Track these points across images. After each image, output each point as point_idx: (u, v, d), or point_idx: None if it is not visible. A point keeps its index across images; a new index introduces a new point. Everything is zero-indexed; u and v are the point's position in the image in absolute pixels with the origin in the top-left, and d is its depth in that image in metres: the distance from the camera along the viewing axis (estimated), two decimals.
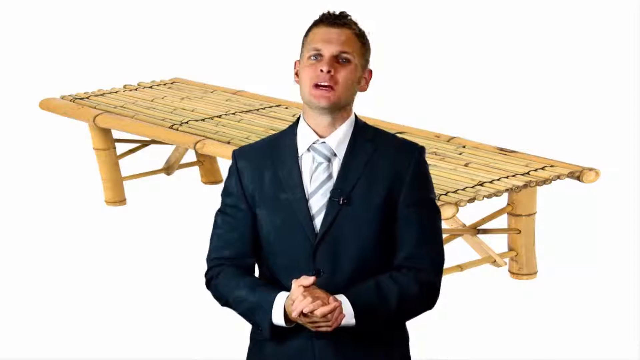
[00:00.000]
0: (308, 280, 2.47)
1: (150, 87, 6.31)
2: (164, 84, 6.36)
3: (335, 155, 2.58)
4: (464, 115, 6.92)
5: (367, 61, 2.62)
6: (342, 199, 2.55)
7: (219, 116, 5.59)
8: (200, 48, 7.88)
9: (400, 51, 7.53)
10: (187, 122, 5.47)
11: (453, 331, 4.44)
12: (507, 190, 4.45)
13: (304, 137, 2.60)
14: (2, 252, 5.37)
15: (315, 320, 2.46)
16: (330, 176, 2.58)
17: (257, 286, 2.59)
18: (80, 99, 6.00)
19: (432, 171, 3.51)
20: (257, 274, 2.70)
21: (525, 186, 4.51)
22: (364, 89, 2.63)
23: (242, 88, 6.26)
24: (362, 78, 2.61)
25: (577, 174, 4.61)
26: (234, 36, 7.97)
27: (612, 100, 7.10)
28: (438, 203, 3.72)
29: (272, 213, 2.59)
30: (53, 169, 6.42)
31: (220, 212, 2.69)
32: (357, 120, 2.63)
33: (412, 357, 2.70)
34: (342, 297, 2.50)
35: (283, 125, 5.04)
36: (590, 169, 4.63)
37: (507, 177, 4.55)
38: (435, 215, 2.63)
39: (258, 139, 2.77)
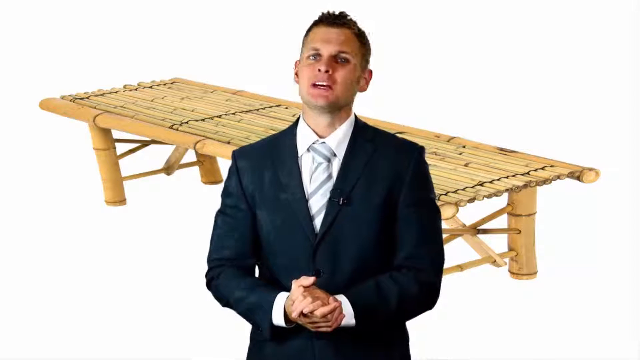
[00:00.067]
0: (308, 280, 2.47)
1: (150, 87, 6.31)
2: (164, 84, 6.36)
3: (335, 155, 2.58)
4: (464, 115, 6.92)
5: (367, 61, 2.61)
6: (342, 199, 2.54)
7: (219, 116, 5.59)
8: (200, 48, 7.88)
9: (400, 51, 7.52)
10: (187, 122, 5.47)
11: (453, 331, 4.44)
12: (507, 190, 4.45)
13: (304, 137, 2.59)
14: (2, 252, 5.36)
15: (315, 321, 2.46)
16: (330, 176, 2.57)
17: (257, 286, 2.59)
18: (80, 99, 6.00)
19: (432, 171, 3.51)
20: (257, 274, 2.70)
21: (525, 186, 4.50)
22: (363, 89, 2.62)
23: (242, 88, 6.26)
24: (362, 78, 2.60)
25: (577, 174, 4.61)
26: (234, 36, 7.97)
27: (612, 100, 7.09)
28: (438, 203, 3.72)
29: (272, 213, 2.59)
30: (53, 169, 6.42)
31: (220, 213, 2.69)
32: (357, 120, 2.62)
33: (412, 357, 2.70)
34: (342, 298, 2.49)
35: (283, 125, 5.04)
36: (590, 169, 4.62)
37: (507, 177, 4.55)
38: (435, 215, 2.63)
39: (258, 139, 2.77)
